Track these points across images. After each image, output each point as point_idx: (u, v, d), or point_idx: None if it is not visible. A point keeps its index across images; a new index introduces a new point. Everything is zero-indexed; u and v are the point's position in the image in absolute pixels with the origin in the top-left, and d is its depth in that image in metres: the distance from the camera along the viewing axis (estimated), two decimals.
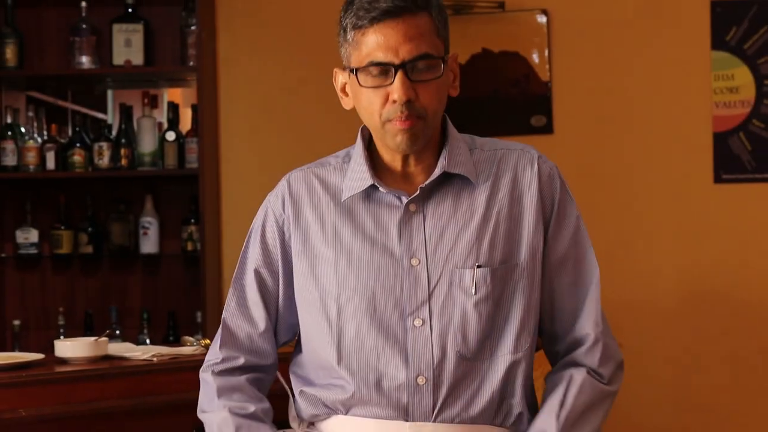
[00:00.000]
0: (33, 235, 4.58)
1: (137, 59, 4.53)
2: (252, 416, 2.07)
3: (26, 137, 4.56)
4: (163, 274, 4.66)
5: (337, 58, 4.93)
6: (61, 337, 4.49)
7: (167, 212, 4.64)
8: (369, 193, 2.04)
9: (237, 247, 4.51)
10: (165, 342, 4.49)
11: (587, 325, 2.05)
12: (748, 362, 4.31)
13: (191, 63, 4.50)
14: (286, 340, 2.18)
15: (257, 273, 2.12)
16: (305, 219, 2.08)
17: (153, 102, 4.62)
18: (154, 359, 2.79)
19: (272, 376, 2.18)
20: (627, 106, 4.44)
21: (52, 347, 2.80)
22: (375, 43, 1.93)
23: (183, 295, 4.61)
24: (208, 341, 3.02)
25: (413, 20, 1.94)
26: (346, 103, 2.06)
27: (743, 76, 4.35)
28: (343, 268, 2.02)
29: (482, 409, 1.99)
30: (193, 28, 4.49)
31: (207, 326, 4.40)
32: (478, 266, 1.99)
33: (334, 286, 2.03)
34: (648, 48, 4.42)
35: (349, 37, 1.97)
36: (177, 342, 4.45)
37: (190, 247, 4.52)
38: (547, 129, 4.46)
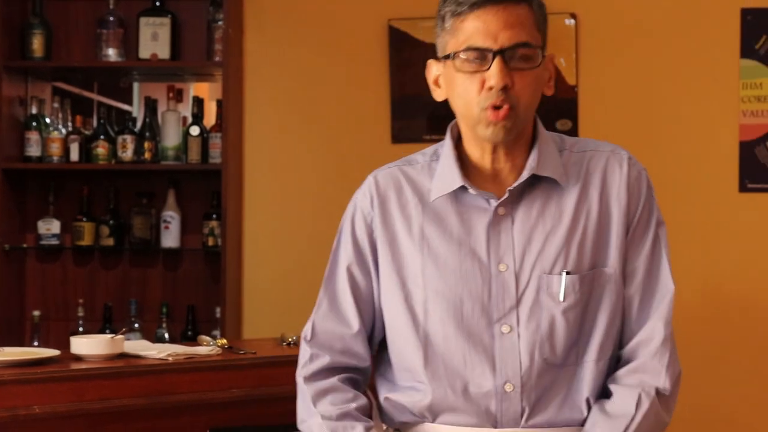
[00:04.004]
0: (55, 227, 4.59)
1: (163, 53, 4.52)
2: (345, 416, 2.02)
3: (51, 128, 4.57)
4: (184, 269, 4.67)
5: (362, 55, 4.94)
6: (80, 329, 4.50)
7: (189, 207, 4.64)
8: (457, 194, 2.01)
9: (258, 243, 4.59)
10: (183, 337, 4.50)
11: (658, 325, 1.98)
12: None
13: (217, 58, 4.49)
14: (381, 338, 2.12)
15: (349, 272, 2.08)
16: (392, 218, 2.04)
17: (178, 96, 4.62)
18: (170, 359, 2.78)
19: (367, 378, 2.13)
20: (653, 112, 4.40)
21: (70, 340, 2.80)
22: (474, 28, 1.92)
23: (203, 290, 4.62)
24: (224, 341, 3.02)
25: (514, 9, 1.92)
26: (438, 95, 2.03)
27: None
28: (430, 272, 1.99)
29: (571, 415, 1.96)
30: (219, 23, 4.49)
31: (226, 321, 4.40)
32: (567, 273, 1.95)
33: (421, 288, 1.99)
34: (676, 54, 4.38)
35: (447, 24, 1.95)
36: (195, 337, 4.47)
37: (211, 242, 4.52)
38: (573, 133, 4.43)
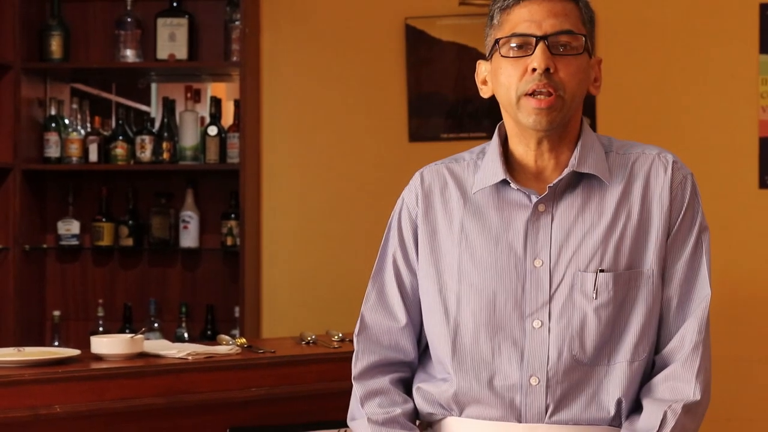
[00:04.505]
0: (74, 227, 4.61)
1: (181, 53, 4.54)
2: (391, 422, 2.05)
3: (70, 129, 4.59)
4: (202, 269, 4.68)
5: (379, 54, 4.92)
6: (100, 329, 4.52)
7: (207, 207, 4.65)
8: (499, 189, 2.03)
9: (276, 242, 4.59)
10: (203, 336, 4.51)
11: (692, 330, 1.99)
12: None
13: (235, 58, 4.50)
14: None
15: (395, 267, 2.12)
16: (434, 213, 2.08)
17: (196, 96, 4.64)
18: (189, 358, 2.78)
19: (415, 372, 2.16)
20: (672, 109, 4.39)
21: (90, 340, 2.80)
22: (519, 17, 1.96)
23: (221, 289, 4.63)
24: (243, 340, 3.02)
25: (559, 2, 1.96)
26: (485, 92, 2.07)
27: None
28: (467, 265, 2.02)
29: (597, 414, 1.97)
30: (237, 23, 4.50)
31: (245, 321, 4.41)
32: (601, 270, 1.96)
33: (455, 281, 2.02)
34: (695, 51, 4.37)
35: (494, 21, 2.00)
36: (215, 336, 4.47)
37: (229, 242, 4.53)
38: (591, 129, 4.41)
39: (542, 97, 1.94)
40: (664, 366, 2.00)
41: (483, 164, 2.06)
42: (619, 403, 1.97)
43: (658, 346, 2.02)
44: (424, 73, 4.51)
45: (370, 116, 4.57)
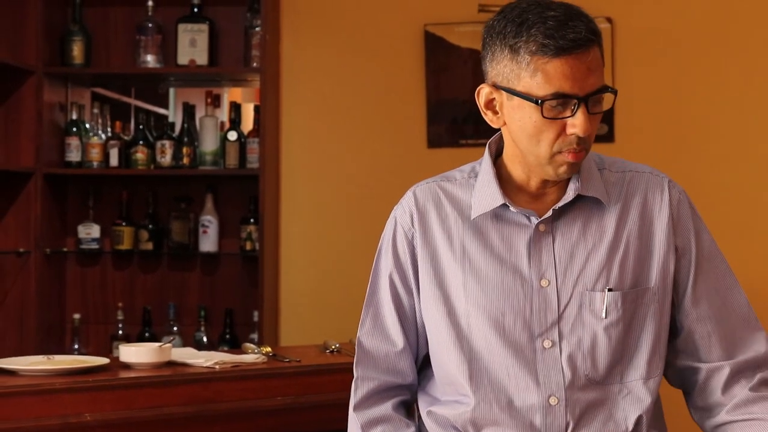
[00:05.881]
0: (95, 231, 4.63)
1: (201, 59, 4.56)
2: None
3: (91, 134, 4.62)
4: (222, 273, 4.71)
5: (398, 60, 4.93)
6: (120, 332, 4.55)
7: (227, 211, 4.68)
8: (498, 212, 2.01)
9: (295, 247, 4.63)
10: (221, 340, 4.54)
11: (760, 341, 2.03)
12: None
13: (255, 64, 4.53)
14: (425, 353, 2.13)
15: (392, 289, 2.08)
16: (432, 234, 2.05)
17: (216, 101, 4.66)
18: (217, 367, 2.82)
19: (415, 395, 2.15)
20: (688, 116, 4.41)
21: (110, 342, 2.84)
22: (561, 73, 1.87)
23: (240, 294, 4.65)
24: (269, 348, 3.06)
25: (594, 52, 1.89)
26: (493, 121, 1.99)
27: None
28: (472, 286, 2.00)
29: (616, 430, 1.97)
30: (257, 29, 4.52)
31: (264, 325, 4.43)
32: (609, 289, 1.97)
33: (463, 302, 2.00)
34: (711, 58, 4.39)
35: (521, 59, 1.89)
36: (233, 340, 4.51)
37: (248, 246, 4.55)
38: (608, 137, 4.44)
39: (575, 153, 1.92)
40: (753, 376, 2.02)
41: (478, 186, 2.03)
42: (638, 421, 1.98)
43: (715, 363, 2.03)
44: (443, 79, 4.54)
45: (388, 122, 4.59)
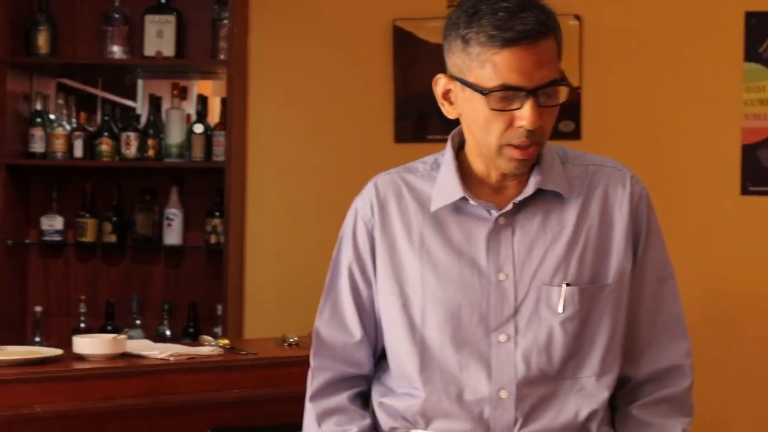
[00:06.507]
0: (58, 223, 4.60)
1: (168, 50, 4.53)
2: None
3: (55, 124, 4.58)
4: (186, 266, 4.68)
5: (367, 55, 4.92)
6: (82, 325, 4.51)
7: (192, 204, 4.65)
8: (458, 205, 1.99)
9: (261, 241, 4.60)
10: (185, 334, 4.51)
11: (678, 356, 2.05)
12: None
13: (222, 56, 4.50)
14: (383, 347, 2.12)
15: (351, 280, 2.06)
16: (392, 224, 2.03)
17: (182, 94, 4.63)
18: (171, 359, 2.80)
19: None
20: (656, 114, 4.40)
21: (72, 335, 2.81)
22: (508, 65, 1.85)
23: (204, 287, 4.63)
24: (226, 341, 3.03)
25: (545, 44, 1.87)
26: (449, 111, 1.98)
27: None
28: (429, 278, 1.98)
29: (565, 427, 1.96)
30: (225, 21, 4.49)
31: (227, 319, 4.41)
32: (567, 284, 1.96)
33: (419, 295, 1.99)
34: (680, 57, 4.38)
35: (472, 50, 1.87)
36: (197, 334, 4.47)
37: (213, 239, 4.53)
38: (575, 135, 4.43)
39: (525, 149, 1.90)
40: (656, 384, 2.04)
41: (439, 179, 2.02)
42: (590, 416, 1.98)
43: (634, 361, 2.04)
44: (411, 74, 4.52)
45: (356, 117, 4.58)
